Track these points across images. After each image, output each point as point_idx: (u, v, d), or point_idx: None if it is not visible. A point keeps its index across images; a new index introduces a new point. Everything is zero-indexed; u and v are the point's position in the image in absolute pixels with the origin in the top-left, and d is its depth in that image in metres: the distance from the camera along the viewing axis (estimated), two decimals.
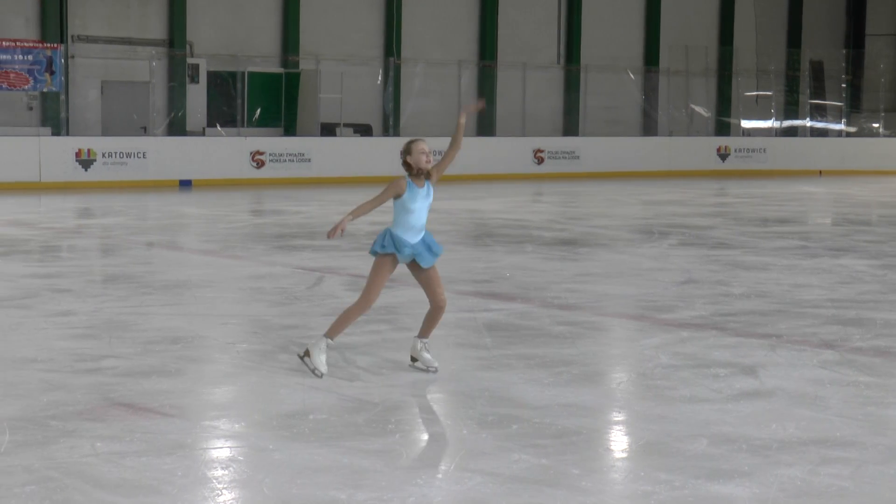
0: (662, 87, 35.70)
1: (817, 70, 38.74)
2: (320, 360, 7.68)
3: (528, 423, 6.67)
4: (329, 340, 7.77)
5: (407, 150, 7.72)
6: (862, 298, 11.35)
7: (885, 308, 10.85)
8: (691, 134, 35.19)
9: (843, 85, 38.19)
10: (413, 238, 7.68)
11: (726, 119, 36.72)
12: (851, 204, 24.22)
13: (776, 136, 36.59)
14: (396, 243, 7.64)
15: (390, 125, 30.47)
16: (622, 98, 34.83)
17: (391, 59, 31.00)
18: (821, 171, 33.58)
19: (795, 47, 38.59)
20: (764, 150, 33.93)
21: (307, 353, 7.72)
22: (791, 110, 37.88)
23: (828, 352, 8.75)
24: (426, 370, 7.90)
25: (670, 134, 34.77)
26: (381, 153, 27.70)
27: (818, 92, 38.45)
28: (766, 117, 36.99)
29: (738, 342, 9.13)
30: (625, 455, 6.36)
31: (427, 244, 7.74)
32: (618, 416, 7.15)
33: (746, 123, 36.55)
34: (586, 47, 34.35)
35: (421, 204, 7.68)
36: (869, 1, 40.47)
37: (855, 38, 40.34)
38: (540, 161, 30.43)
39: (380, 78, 30.87)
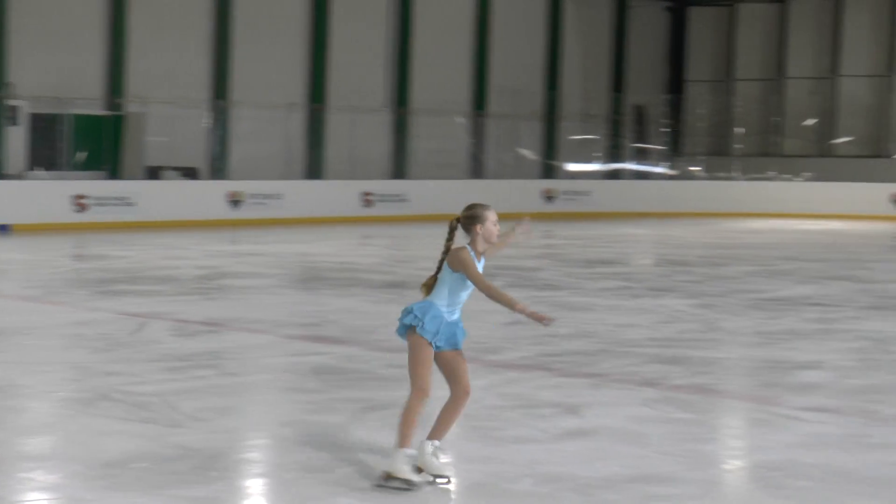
0: (490, 131, 36.19)
1: (639, 114, 39.78)
2: (404, 469, 6.27)
3: (355, 467, 6.63)
4: (407, 450, 6.33)
5: (479, 217, 6.50)
6: (682, 337, 11.63)
7: (703, 346, 11.14)
8: (518, 177, 35.67)
9: (665, 129, 39.26)
10: (451, 316, 6.55)
11: (553, 162, 37.37)
12: (672, 245, 24.84)
13: (601, 178, 37.36)
14: (431, 321, 6.43)
15: (218, 168, 30.18)
16: (451, 141, 35.16)
17: (220, 101, 30.74)
18: (644, 213, 34.38)
19: (619, 92, 39.56)
20: (589, 193, 34.57)
21: (389, 476, 6.29)
22: (615, 153, 38.75)
23: (649, 390, 8.93)
24: (432, 482, 6.36)
25: (498, 177, 35.20)
26: (208, 197, 27.52)
27: (641, 136, 39.46)
28: (591, 160, 37.77)
29: (564, 382, 9.26)
30: (452, 497, 6.37)
31: (457, 324, 6.60)
32: (445, 458, 7.16)
33: (572, 166, 37.25)
34: (415, 91, 34.62)
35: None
36: (688, 48, 41.74)
37: (675, 83, 41.53)
38: (368, 204, 30.47)
39: (208, 121, 30.58)
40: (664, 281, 17.26)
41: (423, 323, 6.40)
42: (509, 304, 6.40)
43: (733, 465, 6.98)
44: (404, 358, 10.18)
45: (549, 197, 33.87)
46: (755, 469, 6.85)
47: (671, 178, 38.47)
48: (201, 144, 30.45)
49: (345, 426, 7.63)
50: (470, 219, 6.51)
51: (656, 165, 38.88)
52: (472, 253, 6.50)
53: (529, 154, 36.85)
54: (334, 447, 7.09)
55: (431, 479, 6.34)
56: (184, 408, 8.06)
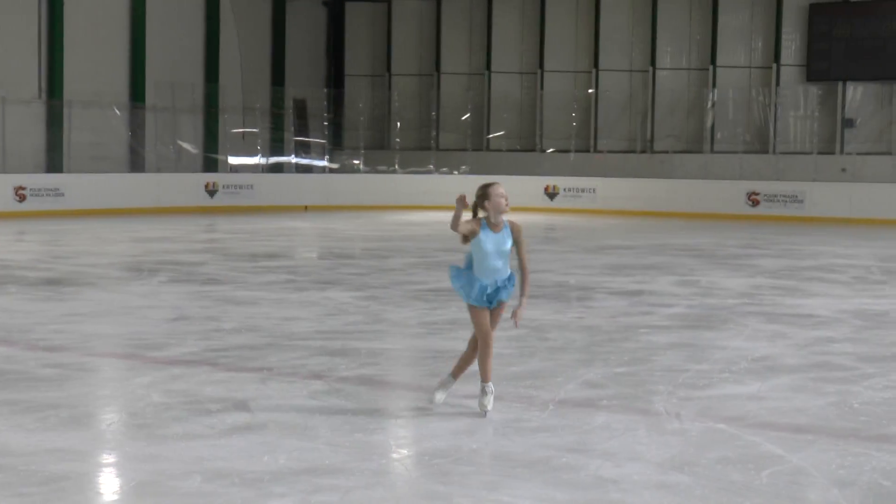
0: (150, 124, 35.40)
1: (300, 108, 39.90)
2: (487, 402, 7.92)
3: (12, 472, 6.37)
4: (487, 384, 7.90)
5: (484, 195, 7.72)
6: (347, 329, 11.76)
7: (368, 338, 11.29)
8: (179, 171, 35.14)
9: (326, 123, 39.55)
10: (487, 279, 7.77)
11: (214, 156, 36.97)
12: (336, 238, 25.07)
13: (263, 172, 37.29)
14: (470, 284, 7.76)
15: None
16: (109, 134, 34.16)
17: None
18: (306, 207, 34.56)
19: (279, 85, 39.55)
20: (251, 187, 34.46)
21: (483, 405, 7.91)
22: (277, 147, 38.74)
23: (317, 382, 8.98)
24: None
25: (158, 171, 34.54)
26: None
27: (302, 129, 39.59)
28: (252, 154, 37.63)
29: (230, 377, 9.19)
30: (116, 497, 6.22)
31: (500, 286, 7.85)
32: (108, 458, 6.98)
33: (234, 160, 36.99)
34: (70, 81, 33.42)
35: (493, 248, 7.72)
36: (347, 43, 42.17)
37: (335, 77, 41.90)
38: (22, 199, 29.29)
39: None
40: (329, 274, 17.39)
41: (466, 294, 7.80)
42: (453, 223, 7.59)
43: (400, 454, 7.11)
44: (63, 357, 9.91)
45: (210, 191, 33.53)
46: (421, 456, 7.00)
47: (332, 171, 38.82)
48: None
49: (2, 430, 7.30)
50: (480, 198, 7.75)
51: (318, 159, 39.12)
52: (485, 225, 7.71)
53: (190, 147, 36.32)
54: None
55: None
56: None
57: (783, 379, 9.46)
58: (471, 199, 7.75)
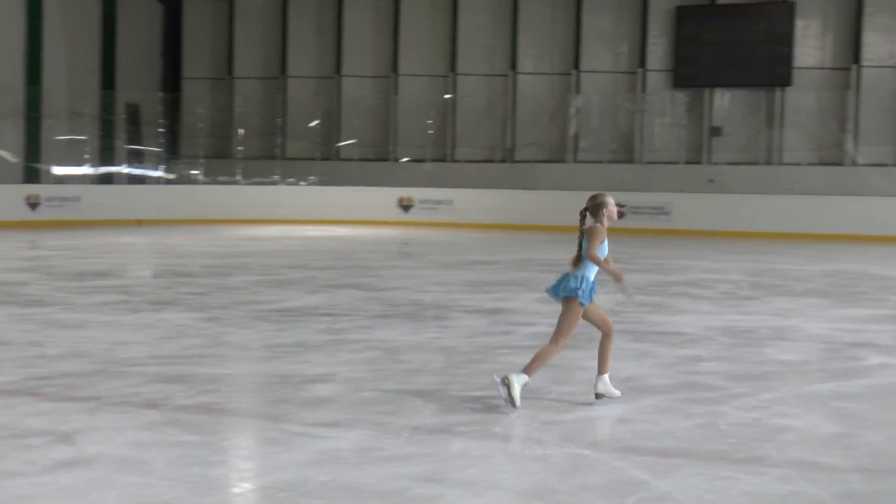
0: None
1: (133, 114, 39.40)
2: (516, 393, 8.89)
3: None
4: (527, 377, 8.97)
5: (603, 204, 9.03)
6: (186, 353, 11.64)
7: (209, 363, 11.19)
8: None
9: (161, 130, 39.10)
10: (593, 276, 9.10)
11: (36, 165, 36.24)
12: (173, 254, 24.79)
13: (92, 183, 36.69)
14: (593, 289, 9.04)
15: None
16: None
17: None
18: (140, 221, 34.12)
19: (110, 89, 38.97)
20: (79, 199, 33.89)
21: (507, 383, 8.88)
22: (107, 156, 38.18)
23: (152, 412, 8.87)
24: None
25: None
26: None
27: (135, 137, 39.10)
28: (80, 163, 37.00)
29: (55, 408, 9.02)
30: None
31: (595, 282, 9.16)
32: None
33: (58, 170, 36.31)
34: None
35: (607, 248, 9.08)
36: (184, 43, 41.80)
37: (172, 81, 41.47)
38: None
39: None
40: (165, 293, 17.19)
41: (581, 292, 8.94)
42: (613, 276, 8.97)
43: (243, 488, 7.07)
44: None
45: (32, 204, 32.88)
46: (265, 490, 6.96)
47: (169, 182, 38.40)
48: None
49: None
50: (597, 206, 9.06)
51: (152, 169, 38.66)
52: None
53: (9, 156, 35.56)
54: None
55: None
56: None
57: (649, 400, 9.64)
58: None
